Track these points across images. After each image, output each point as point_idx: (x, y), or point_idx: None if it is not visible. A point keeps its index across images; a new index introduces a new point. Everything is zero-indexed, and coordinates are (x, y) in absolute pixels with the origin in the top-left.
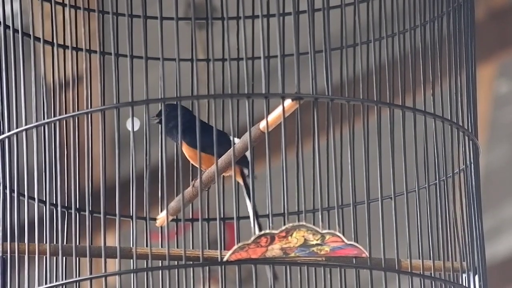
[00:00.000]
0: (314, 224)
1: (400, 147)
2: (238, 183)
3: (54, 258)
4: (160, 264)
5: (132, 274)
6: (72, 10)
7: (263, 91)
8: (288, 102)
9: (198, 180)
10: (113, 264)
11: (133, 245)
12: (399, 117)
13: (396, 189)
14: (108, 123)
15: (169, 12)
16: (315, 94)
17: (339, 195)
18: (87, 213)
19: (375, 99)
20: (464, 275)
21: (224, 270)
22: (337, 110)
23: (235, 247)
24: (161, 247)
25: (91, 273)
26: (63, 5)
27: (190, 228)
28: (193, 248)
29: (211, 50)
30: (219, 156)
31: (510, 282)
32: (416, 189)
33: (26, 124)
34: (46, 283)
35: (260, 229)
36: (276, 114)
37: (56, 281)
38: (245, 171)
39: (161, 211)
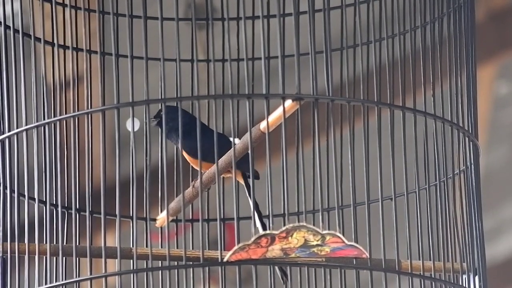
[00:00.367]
0: (314, 225)
1: (400, 147)
2: (238, 183)
3: (54, 258)
4: (160, 265)
5: (132, 275)
6: (73, 10)
7: (264, 92)
8: (288, 102)
9: (198, 180)
10: (113, 264)
11: (133, 246)
12: (399, 117)
13: (396, 190)
14: (108, 123)
15: (169, 13)
16: (315, 94)
17: (339, 196)
18: (87, 213)
19: (375, 100)
20: (464, 276)
21: (224, 270)
22: (337, 110)
23: (235, 247)
24: (161, 247)
25: (91, 273)
26: (64, 5)
27: (190, 229)
28: (193, 248)
29: (211, 51)
30: (219, 157)
31: (510, 283)
32: (416, 189)
33: (26, 124)
34: (46, 283)
35: (265, 228)
36: (276, 115)
37: (56, 281)
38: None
39: (161, 211)
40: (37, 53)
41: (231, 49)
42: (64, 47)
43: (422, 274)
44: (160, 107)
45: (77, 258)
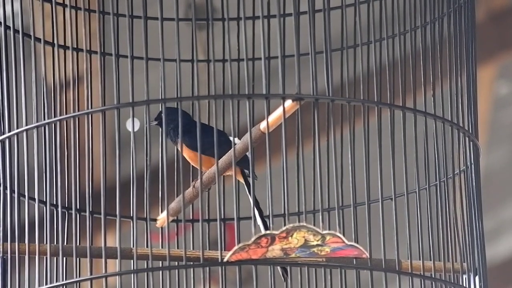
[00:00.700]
0: (314, 225)
1: (401, 147)
2: (238, 183)
3: (55, 258)
4: (161, 265)
5: (132, 275)
6: (73, 11)
7: (264, 92)
8: (288, 102)
9: (199, 180)
10: (114, 265)
11: (133, 246)
12: (400, 118)
13: (396, 190)
14: (108, 123)
15: (169, 13)
16: (315, 94)
17: (339, 196)
18: (87, 213)
19: (375, 100)
20: (465, 276)
21: (224, 270)
22: (337, 110)
23: (236, 247)
24: (162, 247)
25: (91, 274)
26: (64, 5)
27: (191, 229)
28: (193, 248)
29: (211, 51)
30: (219, 157)
31: (510, 283)
32: (417, 189)
33: (26, 125)
34: (46, 284)
35: (266, 226)
36: (276, 115)
37: (56, 281)
38: (246, 170)
39: (162, 211)
40: (37, 53)
41: (231, 49)
42: (64, 47)
43: (422, 274)
44: (160, 107)
45: (78, 258)
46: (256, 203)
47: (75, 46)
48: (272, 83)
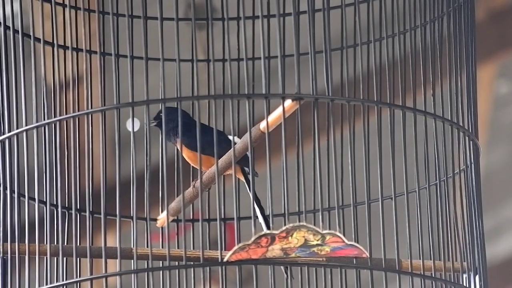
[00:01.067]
0: (314, 225)
1: (401, 147)
2: (238, 183)
3: (55, 258)
4: (161, 265)
5: (132, 275)
6: (72, 11)
7: (264, 92)
8: (288, 102)
9: (199, 180)
10: (114, 265)
11: (133, 246)
12: (400, 117)
13: (396, 190)
14: (108, 123)
15: (169, 13)
16: (315, 94)
17: (339, 196)
18: (87, 213)
19: (375, 100)
20: (465, 275)
21: (224, 270)
22: (337, 110)
23: (236, 247)
24: (162, 247)
25: (91, 274)
26: (63, 5)
27: (191, 229)
28: (193, 248)
29: (211, 51)
30: (219, 156)
31: (510, 282)
32: (417, 189)
33: (26, 125)
34: (46, 284)
35: (267, 223)
36: (276, 115)
37: (56, 281)
38: (246, 168)
39: (162, 211)
40: (37, 54)
41: (231, 49)
42: (64, 47)
43: (422, 273)
44: (160, 107)
45: (78, 258)
46: (257, 201)
47: (75, 46)
48: (272, 83)
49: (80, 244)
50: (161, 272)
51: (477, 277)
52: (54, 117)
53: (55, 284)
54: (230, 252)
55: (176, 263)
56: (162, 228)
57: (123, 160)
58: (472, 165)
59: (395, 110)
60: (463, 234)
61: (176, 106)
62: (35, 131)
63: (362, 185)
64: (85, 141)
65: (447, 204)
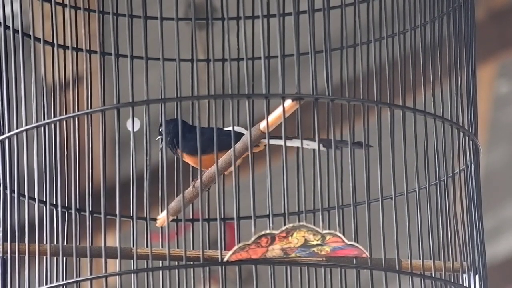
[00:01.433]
0: (314, 225)
1: (401, 147)
2: (239, 183)
3: (55, 258)
4: (161, 265)
5: (132, 275)
6: (72, 11)
7: (264, 91)
8: (288, 102)
9: (199, 180)
10: (114, 265)
11: (133, 246)
12: (400, 117)
13: (396, 189)
14: (108, 123)
15: (169, 13)
16: (315, 94)
17: (339, 195)
18: (87, 213)
19: (375, 100)
20: (465, 275)
21: (224, 270)
22: (337, 110)
23: (236, 247)
24: (162, 247)
25: (91, 274)
26: (63, 5)
27: (191, 229)
28: (193, 248)
29: (211, 51)
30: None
31: (510, 282)
32: (417, 189)
33: (26, 125)
34: (46, 284)
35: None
36: (276, 114)
37: (56, 281)
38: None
39: (162, 211)
40: (37, 54)
41: (230, 48)
42: (64, 47)
43: (422, 273)
44: (160, 107)
45: (78, 258)
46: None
47: (75, 46)
48: (272, 82)
49: (80, 244)
50: (161, 272)
51: (477, 277)
52: (54, 117)
53: (55, 284)
54: (230, 252)
55: (176, 263)
56: (162, 228)
57: (123, 160)
58: (472, 165)
59: (395, 110)
60: (463, 234)
61: (175, 118)
62: (35, 131)
63: (362, 185)
64: (85, 141)
65: (447, 204)
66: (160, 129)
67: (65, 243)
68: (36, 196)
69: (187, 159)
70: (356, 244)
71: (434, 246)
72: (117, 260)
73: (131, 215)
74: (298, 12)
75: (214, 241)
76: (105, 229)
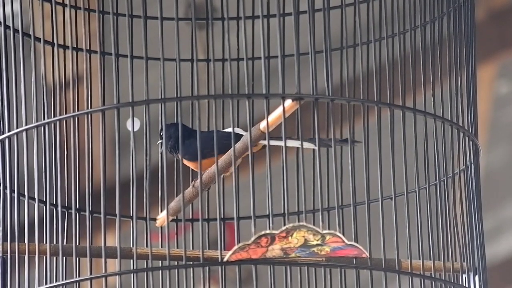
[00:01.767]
0: (314, 225)
1: (400, 147)
2: (239, 183)
3: (54, 258)
4: (160, 264)
5: (132, 274)
6: (73, 10)
7: (264, 91)
8: (288, 102)
9: (198, 180)
10: (113, 264)
11: (133, 245)
12: (399, 117)
13: (396, 190)
14: (108, 123)
15: (169, 12)
16: (315, 94)
17: (339, 196)
18: (87, 213)
19: (375, 100)
20: (464, 276)
21: (224, 270)
22: (337, 110)
23: (235, 247)
24: (161, 247)
25: (91, 273)
26: (64, 5)
27: (190, 228)
28: (193, 248)
29: (211, 50)
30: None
31: (510, 282)
32: (416, 189)
33: (26, 124)
34: (46, 283)
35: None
36: (276, 114)
37: (56, 281)
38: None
39: (161, 211)
40: (37, 53)
41: (231, 48)
42: (64, 47)
43: (422, 273)
44: (160, 107)
45: (77, 258)
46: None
47: (75, 46)
48: (272, 82)
49: (80, 243)
50: (160, 272)
51: (476, 277)
52: (54, 116)
53: (55, 283)
54: (230, 252)
55: (176, 263)
56: (161, 227)
57: (123, 160)
58: (472, 165)
59: (395, 110)
60: (463, 234)
61: (175, 122)
62: (35, 130)
63: (362, 185)
64: (85, 141)
65: (447, 204)
66: (161, 133)
67: (65, 243)
68: (36, 196)
69: (188, 164)
70: (356, 244)
71: (434, 246)
72: (117, 260)
73: (131, 215)
74: (298, 12)
75: (214, 241)
76: (105, 229)
